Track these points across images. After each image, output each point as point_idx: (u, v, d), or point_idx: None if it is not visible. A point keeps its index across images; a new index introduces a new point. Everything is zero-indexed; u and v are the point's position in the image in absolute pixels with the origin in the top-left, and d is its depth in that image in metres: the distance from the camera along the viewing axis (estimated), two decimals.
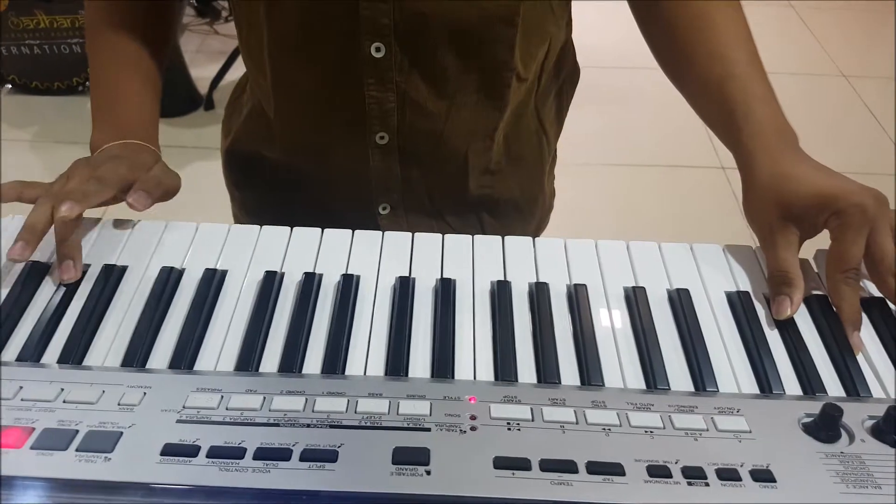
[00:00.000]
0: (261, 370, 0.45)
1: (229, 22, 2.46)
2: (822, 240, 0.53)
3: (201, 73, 2.36)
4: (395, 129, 0.62)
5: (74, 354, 0.45)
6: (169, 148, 0.66)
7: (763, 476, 0.37)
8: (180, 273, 0.51)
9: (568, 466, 0.37)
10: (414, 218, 0.70)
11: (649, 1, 0.63)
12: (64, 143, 2.09)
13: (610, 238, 0.56)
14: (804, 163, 0.53)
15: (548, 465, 0.37)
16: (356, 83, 0.59)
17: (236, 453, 0.37)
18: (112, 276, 0.50)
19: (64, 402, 0.40)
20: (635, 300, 0.50)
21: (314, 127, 0.65)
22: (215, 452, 0.37)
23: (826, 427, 0.40)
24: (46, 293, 0.50)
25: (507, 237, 0.56)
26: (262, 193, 0.75)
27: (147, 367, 0.45)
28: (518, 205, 0.74)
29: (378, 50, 0.57)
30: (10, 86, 2.31)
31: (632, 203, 2.01)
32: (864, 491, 0.37)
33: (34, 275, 0.50)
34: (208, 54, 2.55)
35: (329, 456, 0.37)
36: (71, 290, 0.50)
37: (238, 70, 2.38)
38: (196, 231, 0.55)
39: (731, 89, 0.57)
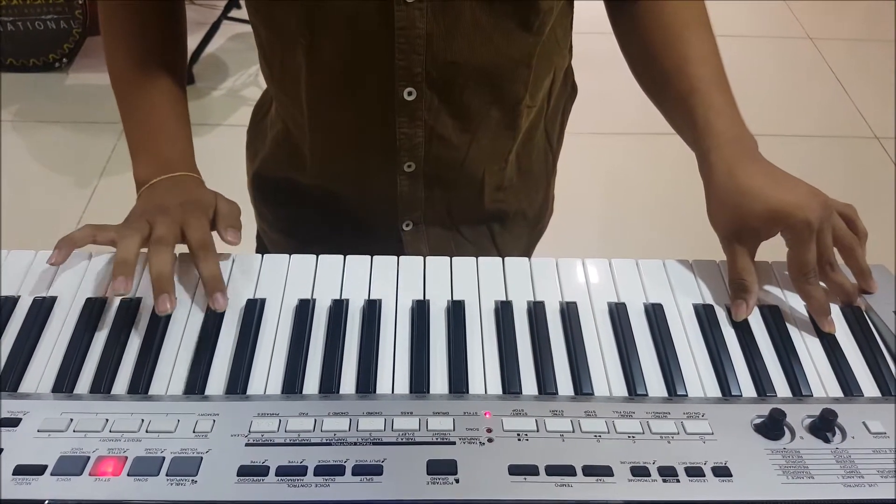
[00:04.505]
0: (304, 391, 0.53)
1: None
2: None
3: None
4: (421, 159, 0.69)
5: (142, 385, 0.52)
6: None
7: (722, 472, 0.47)
8: None
9: (568, 470, 0.46)
10: (432, 231, 0.78)
11: (627, 25, 0.70)
12: (46, 123, 2.07)
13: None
14: (758, 174, 0.61)
15: (552, 470, 0.46)
16: (388, 121, 0.66)
17: (300, 471, 0.45)
18: None
19: (147, 431, 0.48)
20: (618, 315, 0.59)
21: (347, 158, 0.71)
22: (283, 471, 0.45)
23: (773, 427, 0.50)
24: (104, 328, 0.56)
25: (506, 258, 0.64)
26: (291, 214, 0.81)
27: (206, 393, 0.53)
28: (525, 214, 0.83)
29: (410, 94, 0.63)
30: None
31: (612, 172, 2.08)
32: (801, 481, 0.47)
33: (91, 312, 0.57)
34: None
35: (375, 470, 0.46)
36: (126, 323, 0.57)
37: (216, 43, 2.37)
38: (233, 262, 0.62)
39: (693, 103, 0.64)
